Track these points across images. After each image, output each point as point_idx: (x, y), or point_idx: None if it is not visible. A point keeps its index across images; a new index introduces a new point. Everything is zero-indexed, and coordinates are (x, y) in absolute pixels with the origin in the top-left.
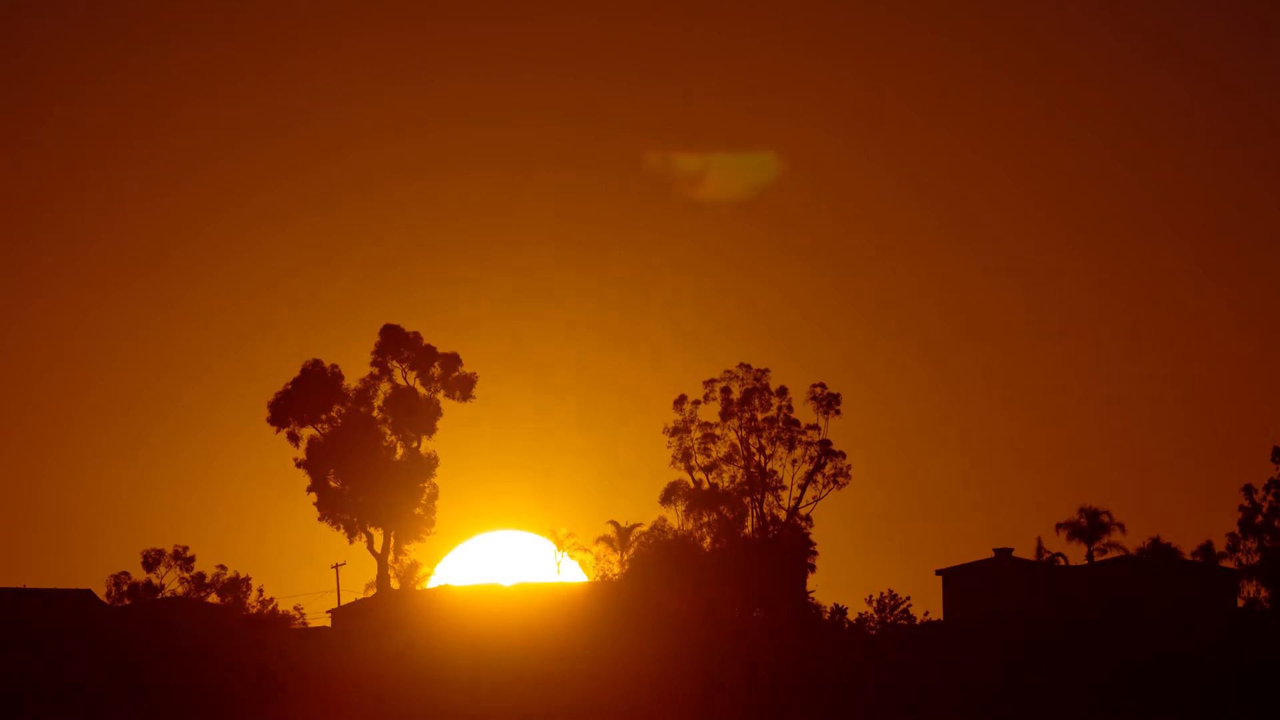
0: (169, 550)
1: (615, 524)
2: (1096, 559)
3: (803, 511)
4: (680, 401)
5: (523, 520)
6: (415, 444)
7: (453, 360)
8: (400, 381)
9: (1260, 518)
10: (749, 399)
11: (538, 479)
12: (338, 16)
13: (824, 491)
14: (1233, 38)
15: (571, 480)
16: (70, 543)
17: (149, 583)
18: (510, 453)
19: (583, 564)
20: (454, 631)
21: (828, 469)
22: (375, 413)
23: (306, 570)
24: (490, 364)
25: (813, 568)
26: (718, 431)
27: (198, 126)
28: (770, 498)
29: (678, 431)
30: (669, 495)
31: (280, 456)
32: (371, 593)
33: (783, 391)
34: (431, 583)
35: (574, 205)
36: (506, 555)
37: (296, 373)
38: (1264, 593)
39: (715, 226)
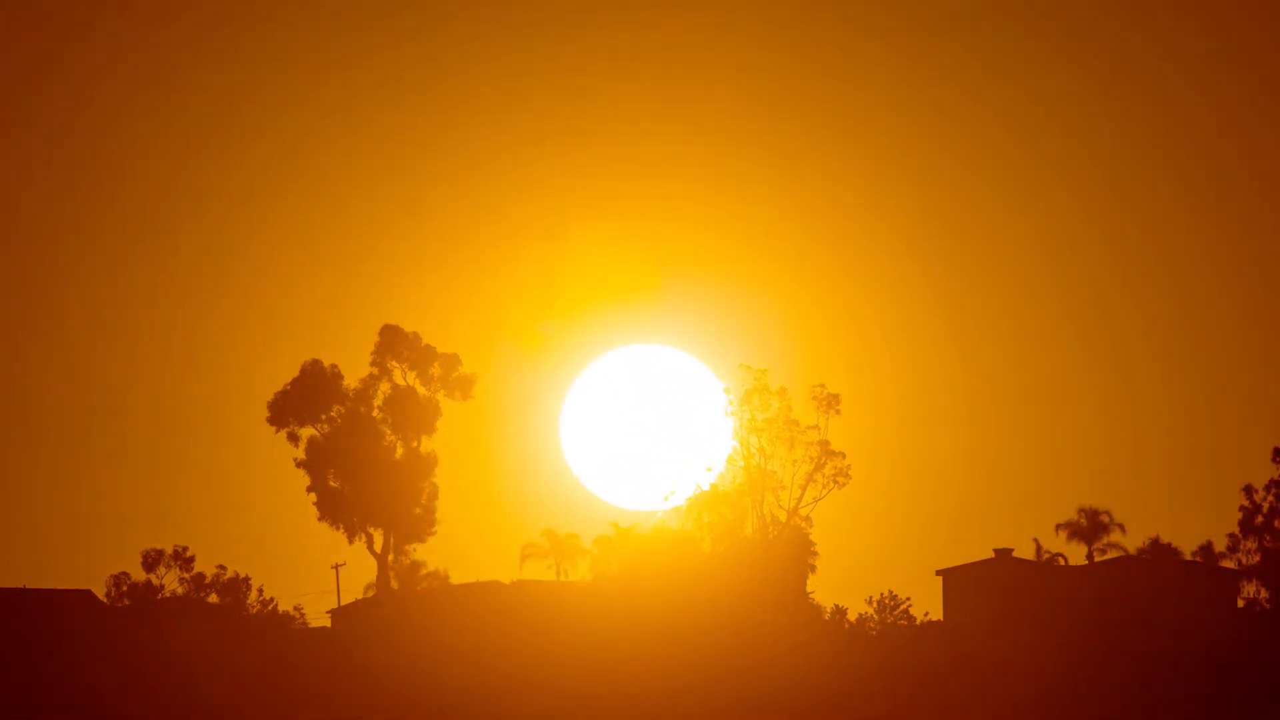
0: (169, 550)
1: (615, 524)
2: (1096, 559)
3: (803, 511)
4: None
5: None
6: (415, 444)
7: (452, 360)
8: (400, 381)
9: (1260, 518)
10: (749, 399)
11: (538, 478)
12: (338, 16)
13: (824, 491)
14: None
15: (571, 479)
16: (70, 543)
17: (149, 583)
18: (510, 453)
19: (583, 564)
20: (454, 631)
21: (828, 469)
22: (375, 413)
23: (306, 570)
24: (490, 364)
25: (813, 568)
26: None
27: (199, 125)
28: (770, 498)
29: None
30: (669, 495)
31: (280, 456)
32: (371, 593)
33: (783, 392)
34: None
35: (573, 205)
36: (643, 375)
37: (296, 373)
38: (1264, 593)
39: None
